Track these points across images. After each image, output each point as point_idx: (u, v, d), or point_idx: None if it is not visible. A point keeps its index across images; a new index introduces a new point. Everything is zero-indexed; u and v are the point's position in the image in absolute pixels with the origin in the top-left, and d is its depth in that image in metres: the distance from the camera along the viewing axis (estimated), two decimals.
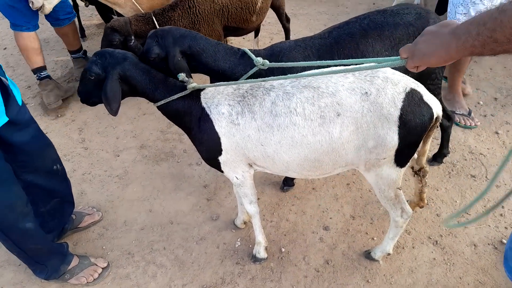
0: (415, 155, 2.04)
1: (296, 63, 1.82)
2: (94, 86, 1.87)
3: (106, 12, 4.17)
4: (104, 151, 3.15)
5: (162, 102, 1.90)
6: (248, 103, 1.79)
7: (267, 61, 1.87)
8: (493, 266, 2.17)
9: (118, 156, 3.10)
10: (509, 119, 3.20)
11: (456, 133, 3.05)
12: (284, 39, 4.19)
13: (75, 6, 4.48)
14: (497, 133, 3.06)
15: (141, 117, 3.50)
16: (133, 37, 2.86)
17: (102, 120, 3.48)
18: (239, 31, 3.44)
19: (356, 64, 1.60)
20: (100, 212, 2.60)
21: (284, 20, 4.09)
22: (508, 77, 3.72)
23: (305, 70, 1.89)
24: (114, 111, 1.79)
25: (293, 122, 1.71)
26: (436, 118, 1.73)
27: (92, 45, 4.69)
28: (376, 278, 2.16)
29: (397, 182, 1.86)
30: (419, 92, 1.68)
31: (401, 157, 1.76)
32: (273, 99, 1.75)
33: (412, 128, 1.67)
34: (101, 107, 3.63)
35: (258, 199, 2.63)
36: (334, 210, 2.54)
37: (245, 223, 2.47)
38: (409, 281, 2.13)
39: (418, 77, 2.23)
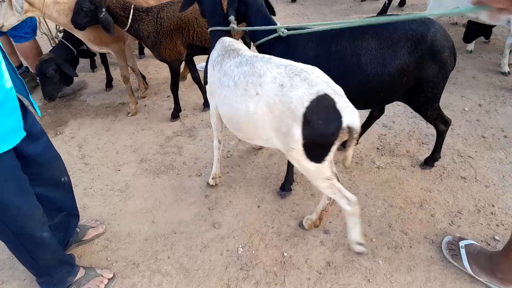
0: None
1: (312, 29, 2.37)
2: None
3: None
4: (104, 166, 3.20)
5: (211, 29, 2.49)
6: (223, 58, 2.22)
7: (286, 30, 2.37)
8: None
9: (119, 170, 3.15)
10: (493, 124, 3.36)
11: (445, 138, 3.18)
12: None
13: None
14: (483, 137, 3.21)
15: (140, 132, 3.58)
16: (104, 10, 3.00)
17: (102, 136, 3.54)
18: (206, 51, 3.48)
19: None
20: (103, 225, 2.64)
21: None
22: (490, 84, 3.90)
23: (313, 40, 2.39)
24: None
25: (228, 85, 2.09)
26: (350, 129, 1.81)
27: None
28: (376, 277, 2.23)
29: (321, 174, 1.98)
30: (332, 100, 1.78)
31: (311, 153, 1.88)
32: (232, 63, 2.12)
33: (316, 129, 1.79)
34: (99, 123, 3.71)
35: (259, 206, 2.71)
36: (333, 214, 2.62)
37: (216, 184, 2.87)
38: (408, 279, 2.21)
39: (416, 84, 2.35)
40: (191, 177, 3.03)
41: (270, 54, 2.36)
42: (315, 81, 1.83)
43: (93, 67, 4.75)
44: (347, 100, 1.84)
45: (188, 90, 4.18)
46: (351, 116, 1.81)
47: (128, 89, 3.74)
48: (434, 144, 3.13)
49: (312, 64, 2.23)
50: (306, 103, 1.77)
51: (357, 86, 2.36)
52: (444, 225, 2.49)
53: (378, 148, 3.16)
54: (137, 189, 2.97)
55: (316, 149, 1.87)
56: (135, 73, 3.99)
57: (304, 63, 2.24)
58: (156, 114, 3.81)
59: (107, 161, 3.27)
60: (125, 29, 3.19)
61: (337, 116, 1.78)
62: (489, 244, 2.35)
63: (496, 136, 3.21)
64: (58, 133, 3.64)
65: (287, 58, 2.24)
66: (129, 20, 3.13)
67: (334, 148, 1.87)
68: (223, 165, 3.10)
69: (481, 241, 2.38)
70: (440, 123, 2.69)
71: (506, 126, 3.31)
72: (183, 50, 3.33)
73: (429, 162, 2.90)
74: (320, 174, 1.98)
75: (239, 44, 2.31)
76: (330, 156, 1.90)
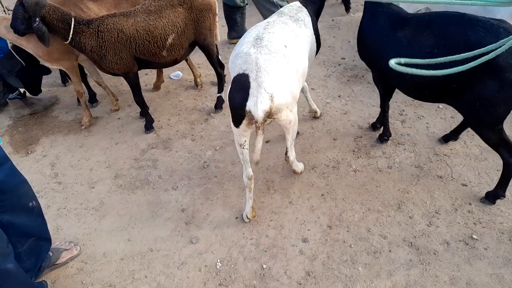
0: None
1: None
2: None
3: None
4: (78, 184, 3.12)
5: None
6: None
7: None
8: (466, 262, 2.26)
9: (93, 188, 3.07)
10: None
11: (420, 137, 3.19)
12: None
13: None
14: None
15: (114, 146, 3.49)
16: (38, 19, 2.92)
17: (75, 153, 3.45)
18: (152, 64, 3.43)
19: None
20: (78, 246, 2.56)
21: (216, 64, 3.70)
22: None
23: (388, 21, 2.51)
24: None
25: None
26: (251, 115, 2.06)
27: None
28: (356, 284, 2.21)
29: (237, 137, 2.31)
30: (249, 83, 2.06)
31: (231, 114, 2.23)
32: (269, 20, 2.51)
33: (231, 96, 2.16)
34: (72, 140, 3.61)
35: (236, 218, 2.67)
36: (311, 221, 2.59)
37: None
38: (389, 284, 2.19)
39: (469, 97, 2.19)
40: (167, 191, 2.97)
41: (366, 17, 2.69)
42: (249, 61, 2.11)
43: (64, 81, 4.62)
44: (263, 92, 2.05)
45: (162, 100, 4.11)
46: (253, 105, 2.05)
47: (82, 103, 3.70)
48: (410, 144, 3.14)
49: (380, 42, 2.55)
50: (235, 73, 2.15)
51: (403, 77, 2.11)
52: (422, 227, 2.48)
53: (354, 151, 3.14)
54: (112, 206, 2.89)
55: (232, 112, 2.20)
56: (102, 87, 3.91)
57: (375, 39, 2.59)
58: (130, 127, 3.73)
59: (81, 178, 3.18)
60: (66, 42, 3.06)
61: (245, 97, 2.06)
62: (468, 244, 2.35)
63: (471, 132, 3.22)
64: (30, 152, 3.53)
65: (369, 27, 2.65)
66: (71, 33, 3.00)
67: (245, 121, 2.14)
68: (199, 177, 3.05)
69: (459, 240, 2.38)
70: (505, 151, 2.35)
71: None
72: (132, 62, 3.24)
73: (490, 197, 2.60)
74: (236, 137, 2.31)
75: (293, 10, 2.62)
76: (243, 126, 2.18)
